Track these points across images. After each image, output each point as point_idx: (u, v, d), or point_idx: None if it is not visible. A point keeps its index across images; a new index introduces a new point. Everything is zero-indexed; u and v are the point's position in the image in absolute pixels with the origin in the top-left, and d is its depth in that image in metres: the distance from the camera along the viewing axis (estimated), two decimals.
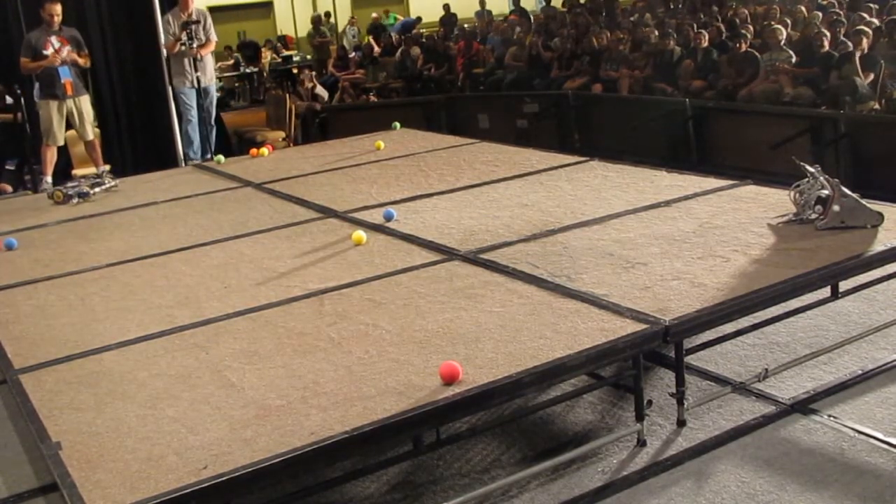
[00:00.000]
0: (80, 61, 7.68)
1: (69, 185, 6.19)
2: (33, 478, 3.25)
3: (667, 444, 3.13)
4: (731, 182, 4.66)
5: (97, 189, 6.05)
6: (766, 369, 3.50)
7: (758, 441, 3.10)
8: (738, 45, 9.50)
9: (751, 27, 10.21)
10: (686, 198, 4.45)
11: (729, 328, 3.41)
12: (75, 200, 5.87)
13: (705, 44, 9.90)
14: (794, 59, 9.05)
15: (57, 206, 5.86)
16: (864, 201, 3.75)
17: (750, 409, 3.32)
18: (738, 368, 3.63)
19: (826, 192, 3.76)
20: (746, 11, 10.94)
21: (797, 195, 3.90)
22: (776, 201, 4.16)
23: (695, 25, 10.66)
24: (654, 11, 12.60)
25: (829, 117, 7.53)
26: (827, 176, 3.85)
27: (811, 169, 3.88)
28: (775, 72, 9.04)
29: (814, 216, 3.79)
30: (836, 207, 3.70)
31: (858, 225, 3.70)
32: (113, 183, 6.23)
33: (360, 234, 4.27)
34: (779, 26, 9.56)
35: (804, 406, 3.30)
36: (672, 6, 12.64)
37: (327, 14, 19.92)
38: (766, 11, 10.85)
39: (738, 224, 3.93)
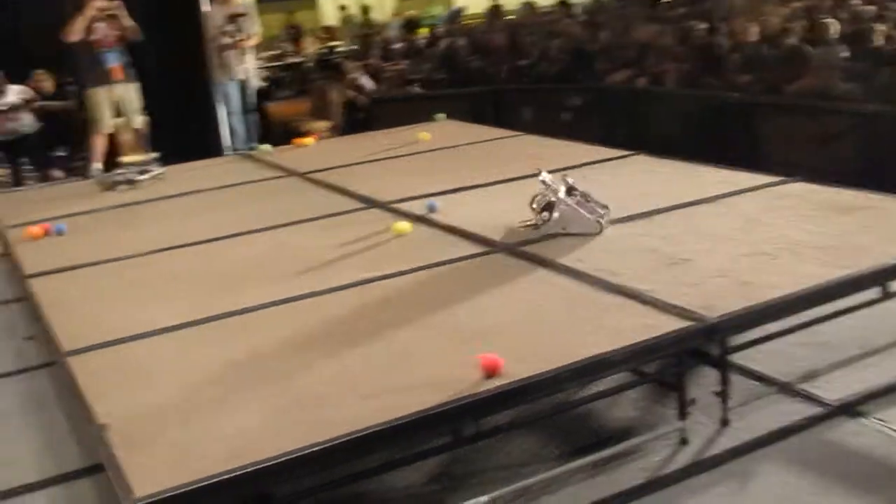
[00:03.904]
0: (126, 21, 7.52)
1: (117, 172, 6.28)
2: (79, 458, 3.30)
3: (709, 443, 3.09)
4: (779, 178, 4.58)
5: (144, 176, 6.14)
6: (813, 370, 3.43)
7: (803, 443, 3.05)
8: (787, 39, 9.32)
9: (801, 21, 10.02)
10: (733, 194, 4.38)
11: (774, 326, 3.35)
12: (123, 187, 5.96)
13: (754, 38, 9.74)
14: (844, 54, 8.86)
15: (105, 192, 5.96)
16: (584, 211, 3.87)
17: (795, 410, 3.26)
18: (784, 368, 3.56)
19: (553, 198, 3.89)
20: (799, 5, 10.74)
21: (537, 201, 3.98)
22: (825, 198, 4.09)
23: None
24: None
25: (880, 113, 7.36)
26: (573, 183, 3.98)
27: (544, 176, 3.96)
28: (825, 67, 8.86)
29: (540, 223, 3.91)
30: (556, 214, 3.87)
31: (580, 232, 3.84)
32: (159, 171, 6.32)
33: (402, 224, 4.27)
34: (830, 20, 9.37)
35: (851, 408, 3.23)
36: None
37: (364, 8, 19.86)
38: (817, 5, 10.63)
39: (786, 221, 3.87)
